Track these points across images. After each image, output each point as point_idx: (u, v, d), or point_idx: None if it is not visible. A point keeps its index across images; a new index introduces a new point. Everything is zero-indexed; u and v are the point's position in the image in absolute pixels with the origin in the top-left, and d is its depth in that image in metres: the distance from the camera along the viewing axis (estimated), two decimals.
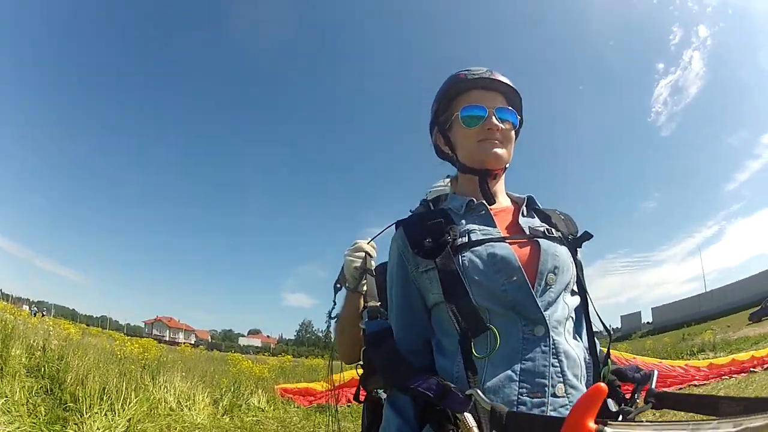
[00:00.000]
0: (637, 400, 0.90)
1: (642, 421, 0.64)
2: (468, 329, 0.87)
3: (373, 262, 1.18)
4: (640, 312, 41.19)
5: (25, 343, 6.28)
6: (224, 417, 6.75)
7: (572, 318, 0.97)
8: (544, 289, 0.91)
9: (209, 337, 76.61)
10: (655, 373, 0.94)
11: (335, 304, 1.24)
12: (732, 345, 13.44)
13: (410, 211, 1.21)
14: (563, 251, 0.97)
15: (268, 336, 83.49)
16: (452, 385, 0.83)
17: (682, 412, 0.85)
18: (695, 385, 7.93)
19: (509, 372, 0.85)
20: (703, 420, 0.49)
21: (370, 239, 1.24)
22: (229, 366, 10.14)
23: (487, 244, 0.94)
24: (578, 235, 1.07)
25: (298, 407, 8.32)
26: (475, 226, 1.00)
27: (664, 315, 34.21)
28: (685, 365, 8.92)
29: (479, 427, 0.75)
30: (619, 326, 41.04)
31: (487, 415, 0.75)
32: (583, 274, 1.04)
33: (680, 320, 28.24)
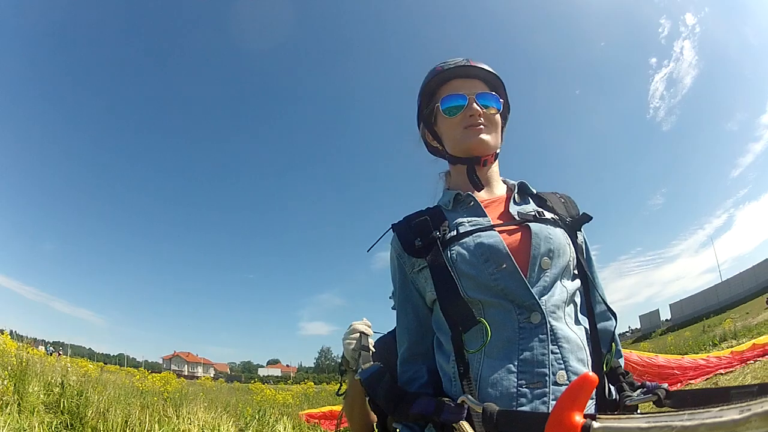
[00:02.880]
0: (640, 392, 0.88)
1: (633, 413, 0.56)
2: (458, 324, 0.86)
3: (370, 339, 1.21)
4: (658, 310, 39.84)
5: (42, 380, 6.20)
6: None
7: (574, 302, 0.93)
8: (539, 274, 0.88)
9: (228, 370, 76.21)
10: (665, 386, 0.89)
11: (341, 385, 1.35)
12: (753, 330, 13.36)
13: None
14: (558, 233, 0.94)
15: (287, 365, 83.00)
16: (445, 399, 0.83)
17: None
18: (721, 374, 7.74)
19: (507, 363, 0.83)
20: (704, 408, 0.40)
21: (368, 248, 1.21)
22: (252, 395, 10.07)
23: (475, 234, 0.92)
24: (577, 217, 1.03)
25: (324, 431, 8.29)
26: (464, 219, 0.98)
27: (682, 310, 33.49)
28: (706, 357, 8.73)
29: (474, 429, 0.74)
30: (638, 326, 40.32)
31: (480, 417, 0.74)
32: (587, 257, 1.01)
33: (699, 313, 27.95)
